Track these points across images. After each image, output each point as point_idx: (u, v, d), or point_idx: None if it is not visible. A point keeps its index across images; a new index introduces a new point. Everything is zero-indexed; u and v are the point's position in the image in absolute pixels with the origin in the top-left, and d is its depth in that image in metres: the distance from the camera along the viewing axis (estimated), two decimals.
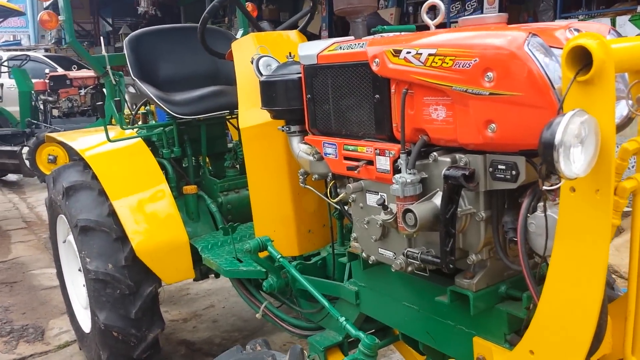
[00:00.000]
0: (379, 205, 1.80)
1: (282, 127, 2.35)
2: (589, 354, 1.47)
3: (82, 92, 10.46)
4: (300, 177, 2.34)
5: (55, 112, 10.32)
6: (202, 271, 3.63)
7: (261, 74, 2.48)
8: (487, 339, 1.76)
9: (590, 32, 1.22)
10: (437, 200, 1.68)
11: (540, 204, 1.47)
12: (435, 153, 1.69)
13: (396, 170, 1.78)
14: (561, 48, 1.43)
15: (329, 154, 2.07)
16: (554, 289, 1.39)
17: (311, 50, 2.10)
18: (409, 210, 1.65)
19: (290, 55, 2.35)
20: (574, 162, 1.14)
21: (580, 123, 1.13)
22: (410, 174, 1.70)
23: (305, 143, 2.24)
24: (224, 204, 3.51)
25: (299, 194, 2.68)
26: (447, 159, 1.65)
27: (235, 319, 4.46)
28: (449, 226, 1.61)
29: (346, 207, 2.18)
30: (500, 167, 1.53)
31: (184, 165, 3.66)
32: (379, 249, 1.94)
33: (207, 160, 3.83)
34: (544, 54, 1.41)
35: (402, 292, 2.07)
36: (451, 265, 1.65)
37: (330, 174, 2.14)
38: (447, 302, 1.77)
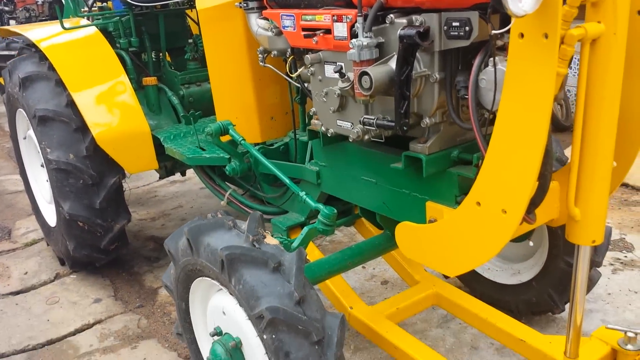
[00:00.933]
0: (335, 72, 1.79)
1: (240, 3, 2.29)
2: (534, 204, 1.54)
3: (40, 1, 9.97)
4: (260, 55, 2.30)
5: (12, 23, 9.87)
6: (167, 167, 3.64)
7: None
8: (439, 202, 1.83)
9: None
10: (393, 63, 1.68)
11: (495, 59, 1.48)
12: (391, 15, 1.67)
13: (353, 35, 1.76)
14: None
15: (287, 27, 2.03)
16: (500, 139, 1.43)
17: None
18: (364, 73, 1.65)
19: None
20: None
21: None
22: (367, 37, 1.68)
23: (264, 18, 2.19)
24: (186, 96, 3.47)
25: (260, 79, 2.65)
26: (403, 21, 1.64)
27: None
28: (403, 88, 1.63)
29: (306, 85, 2.17)
30: (454, 24, 1.53)
31: (143, 59, 3.57)
32: (337, 120, 1.96)
33: (167, 54, 3.73)
34: None
35: (360, 167, 2.12)
36: (405, 128, 1.68)
37: (289, 49, 2.11)
38: (401, 168, 1.82)
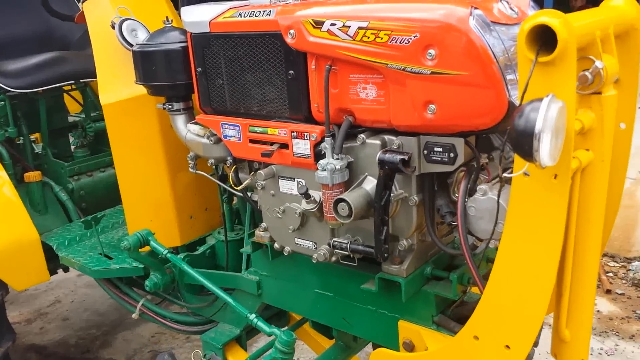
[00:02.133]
0: (301, 194, 1.63)
1: (163, 104, 2.05)
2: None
3: None
4: (190, 162, 2.07)
5: None
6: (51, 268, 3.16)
7: (127, 42, 2.12)
8: (413, 321, 1.72)
9: (547, 10, 1.16)
10: (368, 185, 1.57)
11: (484, 186, 1.43)
12: (362, 135, 1.56)
13: (318, 154, 1.62)
14: (499, 23, 1.38)
15: (230, 137, 1.84)
16: (504, 274, 1.36)
17: (201, 16, 1.82)
18: (341, 200, 1.51)
19: (167, 20, 2.03)
20: (547, 150, 1.09)
21: (559, 109, 1.08)
22: (338, 159, 1.55)
23: (196, 123, 1.97)
24: (76, 190, 3.05)
25: (177, 176, 2.40)
26: (376, 142, 1.54)
27: (89, 314, 4.00)
28: (383, 214, 1.52)
29: (249, 194, 1.97)
30: (436, 149, 1.46)
31: (19, 146, 3.10)
32: (296, 239, 1.79)
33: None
34: (486, 29, 1.34)
35: (314, 279, 1.95)
36: (386, 254, 1.56)
37: (229, 158, 1.91)
38: (375, 290, 1.69)
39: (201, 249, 2.40)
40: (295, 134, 1.66)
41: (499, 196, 1.33)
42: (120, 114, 2.32)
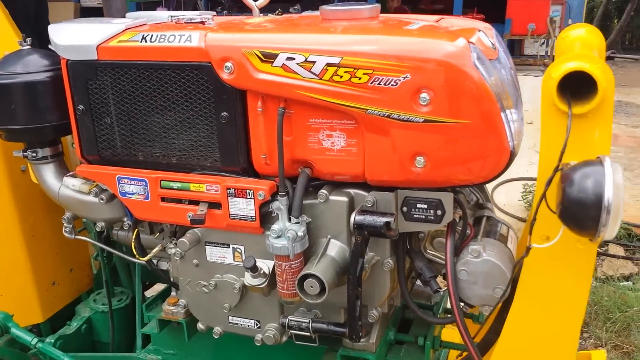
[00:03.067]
0: (247, 268, 1.29)
1: (23, 151, 1.53)
2: None
3: None
4: (67, 225, 1.57)
5: None
6: None
7: None
8: None
9: (584, 53, 1.00)
10: (332, 251, 1.29)
11: (476, 246, 1.23)
12: (324, 191, 1.27)
13: (264, 216, 1.30)
14: (489, 59, 1.19)
15: (131, 194, 1.41)
16: (515, 347, 1.19)
17: (82, 39, 1.36)
18: (309, 276, 1.21)
19: (25, 41, 1.51)
20: (618, 223, 0.92)
21: (622, 174, 0.92)
22: (297, 222, 1.24)
23: (75, 176, 1.50)
24: None
25: (33, 236, 1.87)
26: (343, 199, 1.26)
27: None
28: (358, 285, 1.25)
29: (155, 261, 1.56)
30: (420, 205, 1.23)
31: None
32: (231, 317, 1.44)
33: None
34: (486, 68, 1.13)
35: (244, 357, 1.62)
36: (361, 334, 1.30)
37: (126, 220, 1.48)
38: None
39: (74, 325, 1.89)
40: (232, 192, 1.30)
41: (520, 265, 1.15)
42: None
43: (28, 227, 1.84)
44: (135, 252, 1.48)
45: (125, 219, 1.49)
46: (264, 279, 1.32)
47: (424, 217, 1.23)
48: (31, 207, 1.85)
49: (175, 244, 1.41)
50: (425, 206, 1.23)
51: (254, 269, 1.30)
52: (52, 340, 1.78)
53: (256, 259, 1.31)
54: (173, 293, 1.61)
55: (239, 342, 1.58)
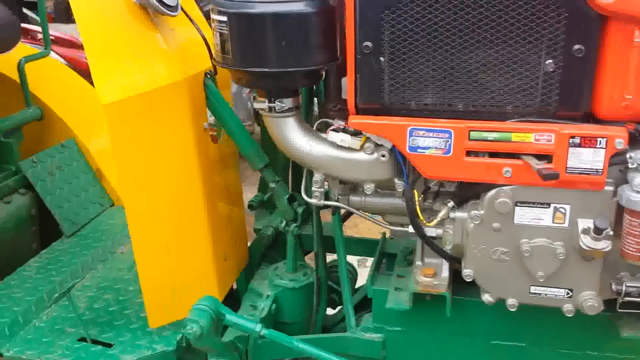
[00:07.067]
0: (601, 229, 1.10)
1: (267, 103, 1.27)
2: None
3: None
4: (316, 190, 1.32)
5: None
6: None
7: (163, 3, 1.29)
8: None
9: None
10: None
11: None
12: None
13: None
14: None
15: (425, 149, 1.19)
16: None
17: None
18: None
19: None
20: None
21: None
22: None
23: (346, 130, 1.25)
24: None
25: (215, 205, 1.61)
26: None
27: None
28: None
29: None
30: None
31: None
32: (533, 287, 1.24)
33: None
34: None
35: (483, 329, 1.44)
36: None
37: (401, 181, 1.25)
38: None
39: (261, 305, 1.65)
40: (577, 141, 1.11)
41: None
42: (132, 117, 1.41)
43: (211, 193, 1.57)
44: (421, 217, 1.26)
45: (396, 180, 1.27)
46: (609, 242, 1.14)
47: None
48: (211, 169, 1.59)
49: (474, 205, 1.20)
50: None
51: (598, 231, 1.12)
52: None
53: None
54: (418, 262, 1.40)
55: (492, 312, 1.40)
